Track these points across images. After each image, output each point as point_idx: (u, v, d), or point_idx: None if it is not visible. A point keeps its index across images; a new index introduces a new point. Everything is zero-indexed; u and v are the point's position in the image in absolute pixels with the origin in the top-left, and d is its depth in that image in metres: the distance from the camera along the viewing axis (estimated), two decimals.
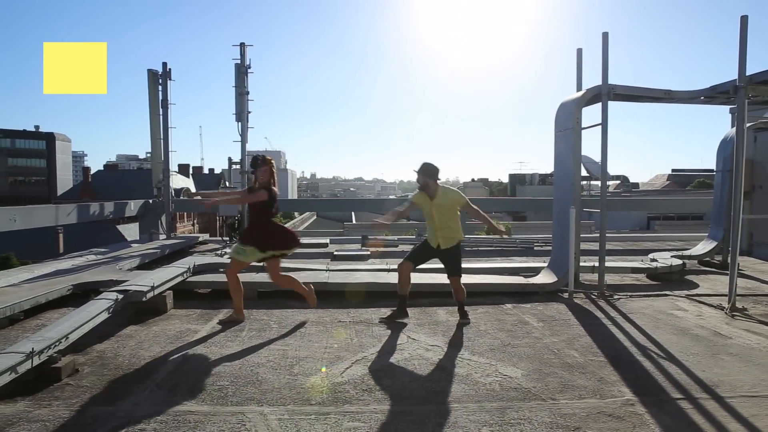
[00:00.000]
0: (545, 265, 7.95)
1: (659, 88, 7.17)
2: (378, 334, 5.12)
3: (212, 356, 4.45)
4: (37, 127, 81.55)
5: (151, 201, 12.92)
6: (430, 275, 7.53)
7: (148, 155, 13.98)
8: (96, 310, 4.70)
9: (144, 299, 5.45)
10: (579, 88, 7.63)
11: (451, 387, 3.83)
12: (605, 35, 6.74)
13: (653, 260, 8.45)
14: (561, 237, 7.42)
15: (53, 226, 28.32)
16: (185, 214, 45.97)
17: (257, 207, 5.51)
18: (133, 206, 12.20)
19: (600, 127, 6.91)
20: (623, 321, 5.69)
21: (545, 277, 7.31)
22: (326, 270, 7.61)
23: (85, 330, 4.42)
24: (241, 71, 12.12)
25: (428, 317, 5.79)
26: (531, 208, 37.61)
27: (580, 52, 7.76)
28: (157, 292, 5.74)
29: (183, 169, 61.95)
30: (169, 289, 6.12)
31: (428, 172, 5.55)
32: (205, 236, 13.98)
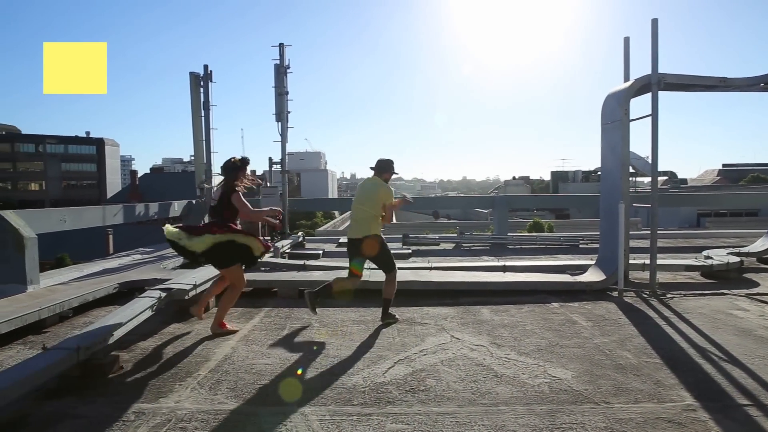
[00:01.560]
0: (592, 262, 7.67)
1: (713, 75, 6.81)
2: (421, 333, 5.00)
3: (253, 355, 4.42)
4: (87, 132, 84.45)
5: (194, 201, 13.13)
6: (473, 273, 7.38)
7: (192, 158, 14.21)
8: (140, 308, 4.75)
9: (186, 297, 5.48)
10: (626, 79, 7.33)
11: (497, 388, 3.68)
12: (655, 21, 6.42)
13: (708, 257, 8.05)
14: (609, 233, 7.13)
15: (104, 228, 29.33)
16: None
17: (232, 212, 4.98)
18: (176, 207, 12.42)
19: (650, 118, 6.61)
20: (678, 321, 5.41)
21: (593, 275, 7.04)
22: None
23: (129, 327, 4.46)
24: (280, 71, 12.19)
25: (472, 316, 5.63)
26: (574, 205, 36.79)
27: (627, 41, 7.45)
28: (199, 290, 5.77)
29: None
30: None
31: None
32: None
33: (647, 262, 6.95)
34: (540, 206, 39.56)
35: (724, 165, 71.37)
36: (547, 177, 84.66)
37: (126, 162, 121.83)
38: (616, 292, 6.55)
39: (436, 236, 14.00)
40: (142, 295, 5.20)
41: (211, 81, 12.59)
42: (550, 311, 5.85)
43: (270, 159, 12.93)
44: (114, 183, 79.52)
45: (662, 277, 7.38)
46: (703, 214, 37.85)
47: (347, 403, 3.47)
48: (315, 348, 4.61)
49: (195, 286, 5.67)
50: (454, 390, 3.66)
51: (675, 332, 5.02)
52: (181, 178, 56.67)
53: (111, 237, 34.48)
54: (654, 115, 6.54)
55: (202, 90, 12.57)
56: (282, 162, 12.68)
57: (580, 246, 11.76)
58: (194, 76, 12.50)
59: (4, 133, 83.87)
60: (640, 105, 6.95)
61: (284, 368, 4.10)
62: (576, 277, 7.04)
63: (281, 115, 12.33)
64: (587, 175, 71.23)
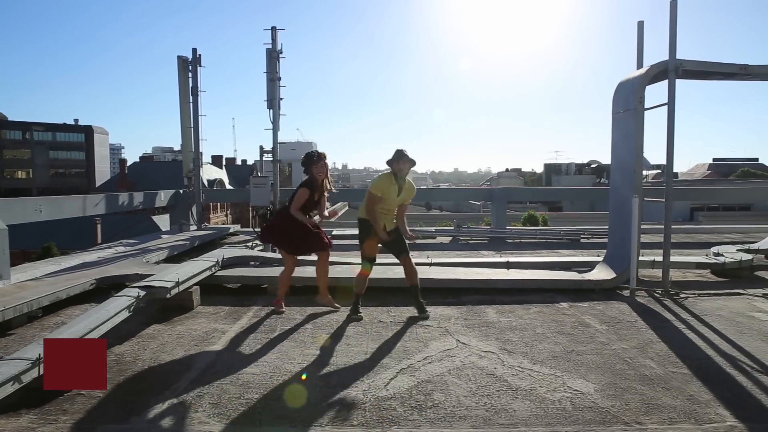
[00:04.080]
0: (597, 258, 7.31)
1: (734, 63, 6.42)
2: (423, 337, 4.59)
3: (240, 362, 3.99)
4: (76, 120, 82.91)
5: (181, 191, 12.64)
6: (475, 270, 6.98)
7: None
8: (115, 309, 4.32)
9: (168, 296, 5.04)
10: (639, 66, 6.92)
11: (514, 404, 3.28)
12: (674, 3, 6.02)
13: (718, 254, 7.71)
14: (619, 229, 6.76)
15: (92, 217, 28.71)
16: (218, 204, 46.21)
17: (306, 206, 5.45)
18: (163, 196, 11.93)
19: (665, 107, 6.22)
20: (698, 324, 5.04)
21: (602, 273, 6.66)
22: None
23: (102, 331, 4.03)
24: (273, 56, 11.64)
25: (477, 317, 5.23)
26: (572, 197, 36.51)
27: (641, 25, 7.02)
28: (182, 287, 5.33)
29: (216, 161, 62.39)
30: (195, 284, 5.71)
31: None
32: (237, 227, 13.67)
33: (657, 259, 6.59)
34: (537, 199, 39.26)
35: (714, 159, 71.42)
36: (539, 169, 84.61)
37: (115, 150, 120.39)
38: (627, 292, 6.19)
39: (433, 229, 13.59)
40: (120, 293, 4.76)
41: (200, 65, 12.10)
42: (560, 312, 5.46)
43: (261, 147, 12.39)
44: (103, 171, 78.44)
45: (671, 274, 7.01)
46: (696, 208, 37.70)
47: (346, 422, 3.05)
48: (309, 354, 4.19)
49: (177, 284, 5.22)
50: (466, 406, 3.25)
51: (698, 337, 4.65)
52: (171, 167, 55.78)
53: (99, 226, 33.89)
54: (670, 104, 6.15)
55: (190, 75, 12.07)
56: (273, 151, 12.17)
57: (581, 240, 11.41)
58: (182, 60, 11.99)
59: None
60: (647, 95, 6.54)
61: (274, 379, 3.68)
62: (584, 275, 6.65)
63: (273, 101, 11.79)
64: (581, 168, 71.15)
